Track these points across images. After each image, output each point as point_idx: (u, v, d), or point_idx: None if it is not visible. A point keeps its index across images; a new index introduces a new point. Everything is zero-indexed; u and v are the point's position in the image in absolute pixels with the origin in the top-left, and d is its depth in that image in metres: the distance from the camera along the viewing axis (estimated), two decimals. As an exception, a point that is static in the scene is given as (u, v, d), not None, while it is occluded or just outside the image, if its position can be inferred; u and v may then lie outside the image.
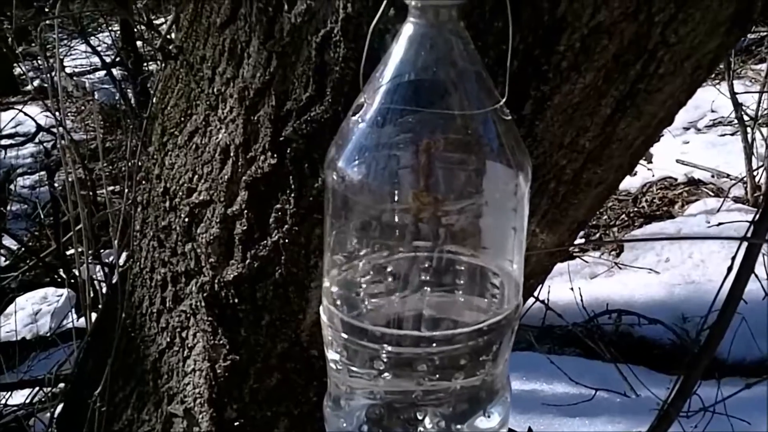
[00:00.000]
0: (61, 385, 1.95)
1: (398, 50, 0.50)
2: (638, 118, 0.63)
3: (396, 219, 0.54)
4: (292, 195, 0.69)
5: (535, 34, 0.55)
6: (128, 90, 4.02)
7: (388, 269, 0.56)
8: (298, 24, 0.61)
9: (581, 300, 2.22)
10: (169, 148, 0.82)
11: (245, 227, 0.73)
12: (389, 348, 0.54)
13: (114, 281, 1.22)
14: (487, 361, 0.56)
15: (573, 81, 0.58)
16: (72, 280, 2.17)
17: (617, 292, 2.36)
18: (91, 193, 2.19)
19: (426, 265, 0.56)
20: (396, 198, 0.53)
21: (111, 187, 2.57)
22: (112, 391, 0.97)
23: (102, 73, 4.44)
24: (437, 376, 0.55)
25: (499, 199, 0.55)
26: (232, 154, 0.72)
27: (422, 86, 0.51)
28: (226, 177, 0.73)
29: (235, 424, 0.83)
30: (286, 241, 0.71)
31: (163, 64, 0.87)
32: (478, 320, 0.56)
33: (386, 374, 0.55)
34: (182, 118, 0.80)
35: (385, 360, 0.54)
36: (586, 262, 2.57)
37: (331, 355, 0.57)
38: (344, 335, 0.55)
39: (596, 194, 0.71)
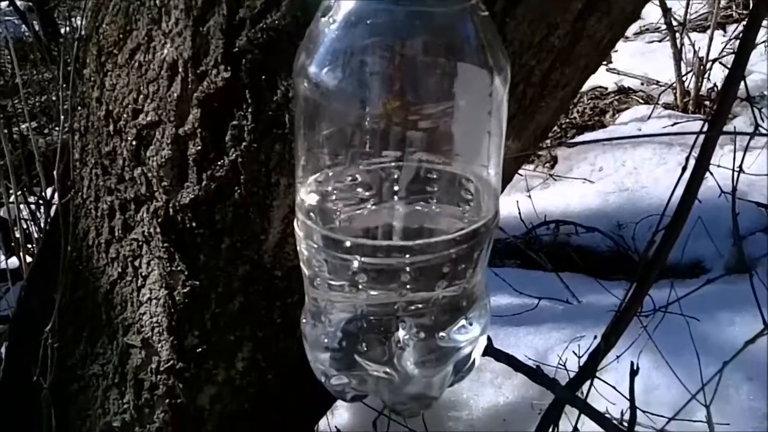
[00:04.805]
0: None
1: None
2: (608, 13, 0.61)
3: (369, 126, 0.51)
4: (249, 110, 0.65)
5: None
6: (34, 21, 3.84)
7: (363, 180, 0.54)
8: (249, -77, 0.57)
9: (519, 213, 2.24)
10: (108, 68, 0.77)
11: (199, 147, 0.70)
12: (368, 259, 0.53)
13: (52, 216, 1.17)
14: (468, 269, 0.55)
15: (545, -25, 0.56)
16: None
17: (553, 204, 2.38)
18: (6, 131, 2.10)
19: (400, 175, 0.54)
20: (369, 103, 0.50)
21: (25, 125, 2.46)
22: (61, 327, 0.94)
23: (4, 4, 4.22)
24: (419, 285, 0.54)
25: (475, 102, 0.53)
26: (180, 70, 0.68)
27: (395, -17, 0.48)
28: (175, 95, 0.69)
29: (197, 351, 0.81)
30: (245, 159, 0.68)
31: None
32: (455, 228, 0.55)
33: (367, 286, 0.53)
34: (121, 35, 0.75)
35: (365, 272, 0.53)
36: (521, 175, 2.58)
37: (308, 271, 0.55)
38: (322, 249, 0.53)
39: (562, 96, 0.69)
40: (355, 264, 0.52)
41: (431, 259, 0.53)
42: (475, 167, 0.56)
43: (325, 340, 0.56)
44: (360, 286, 0.53)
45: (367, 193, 0.54)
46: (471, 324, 0.57)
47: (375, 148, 0.52)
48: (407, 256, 0.53)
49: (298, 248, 0.55)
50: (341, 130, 0.52)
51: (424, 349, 0.55)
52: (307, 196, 0.54)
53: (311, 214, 0.54)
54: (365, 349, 0.55)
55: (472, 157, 0.56)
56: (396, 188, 0.54)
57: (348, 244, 0.52)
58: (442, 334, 0.55)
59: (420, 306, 0.55)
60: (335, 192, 0.54)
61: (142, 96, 0.73)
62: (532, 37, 0.60)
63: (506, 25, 0.58)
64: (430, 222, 0.56)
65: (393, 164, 0.53)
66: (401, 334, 0.55)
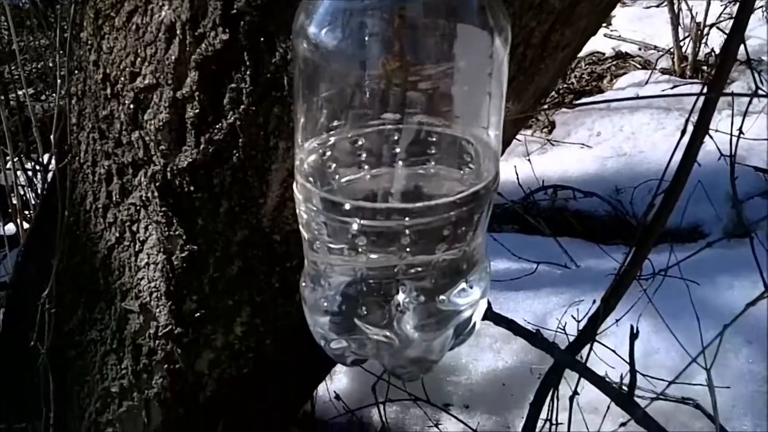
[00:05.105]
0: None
1: None
2: (609, -26, 0.61)
3: (369, 87, 0.51)
4: (248, 73, 0.65)
5: None
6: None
7: (363, 142, 0.53)
8: None
9: (517, 178, 2.23)
10: (105, 31, 0.76)
11: (197, 110, 0.69)
12: (368, 222, 0.52)
13: (48, 182, 1.17)
14: (468, 232, 0.55)
15: (547, -67, 0.55)
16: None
17: (551, 169, 2.38)
18: (3, 98, 2.09)
19: (400, 137, 0.54)
20: (369, 63, 0.50)
21: (22, 91, 2.44)
22: (58, 293, 0.94)
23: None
24: (419, 248, 0.53)
25: (475, 63, 0.52)
26: (178, 32, 0.67)
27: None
28: (173, 57, 0.68)
29: (196, 315, 0.81)
30: (243, 122, 0.67)
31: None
32: (455, 191, 0.55)
33: (367, 249, 0.53)
34: (117, -3, 0.74)
35: (365, 234, 0.52)
36: (519, 140, 2.57)
37: (308, 234, 0.55)
38: (322, 212, 0.52)
39: (562, 58, 0.68)
40: (355, 227, 0.52)
41: (431, 222, 0.53)
42: (475, 129, 0.56)
43: (325, 304, 0.56)
44: (359, 249, 0.53)
45: (366, 156, 0.54)
46: (471, 287, 0.57)
47: (375, 110, 0.51)
48: (407, 218, 0.52)
49: (297, 211, 0.55)
50: (341, 91, 0.51)
51: (424, 312, 0.55)
52: (306, 158, 0.54)
53: (310, 176, 0.53)
54: (365, 312, 0.55)
55: (472, 119, 0.56)
56: (396, 150, 0.54)
57: (347, 206, 0.52)
58: (442, 297, 0.55)
59: (420, 269, 0.55)
60: (335, 154, 0.54)
61: (139, 59, 0.72)
62: (534, -3, 0.59)
63: (507, -16, 0.57)
64: (430, 184, 0.56)
65: (393, 126, 0.53)
66: (401, 297, 0.55)
